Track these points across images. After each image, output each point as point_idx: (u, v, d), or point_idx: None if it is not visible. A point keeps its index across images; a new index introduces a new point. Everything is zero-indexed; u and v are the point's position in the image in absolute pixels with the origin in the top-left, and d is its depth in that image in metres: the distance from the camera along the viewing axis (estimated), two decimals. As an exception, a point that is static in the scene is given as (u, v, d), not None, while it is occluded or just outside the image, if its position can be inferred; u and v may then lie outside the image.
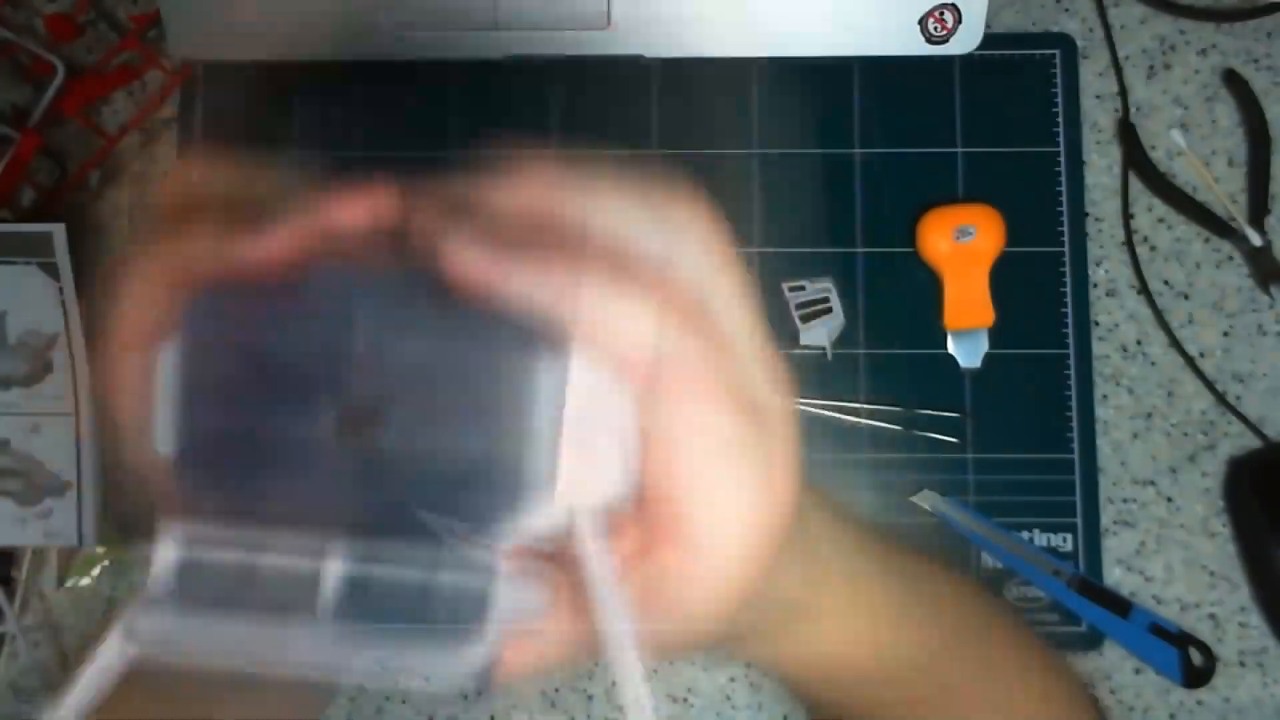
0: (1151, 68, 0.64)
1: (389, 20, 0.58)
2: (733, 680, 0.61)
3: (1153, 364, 0.62)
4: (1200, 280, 0.63)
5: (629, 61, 0.59)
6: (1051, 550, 0.60)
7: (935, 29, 0.57)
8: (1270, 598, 0.59)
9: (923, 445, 0.61)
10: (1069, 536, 0.61)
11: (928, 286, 0.62)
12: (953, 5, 0.57)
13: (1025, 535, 0.60)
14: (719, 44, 0.58)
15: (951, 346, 0.62)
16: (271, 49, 0.59)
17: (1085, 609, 0.59)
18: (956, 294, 0.61)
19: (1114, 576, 0.61)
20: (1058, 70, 0.63)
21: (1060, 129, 0.63)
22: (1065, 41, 0.63)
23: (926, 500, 0.60)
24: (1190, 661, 0.59)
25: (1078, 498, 0.61)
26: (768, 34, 0.58)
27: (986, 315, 0.61)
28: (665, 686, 0.61)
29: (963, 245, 0.60)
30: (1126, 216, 0.63)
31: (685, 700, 0.60)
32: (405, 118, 0.64)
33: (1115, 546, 0.61)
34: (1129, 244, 0.62)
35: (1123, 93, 0.63)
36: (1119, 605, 0.59)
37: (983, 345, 0.61)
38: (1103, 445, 0.61)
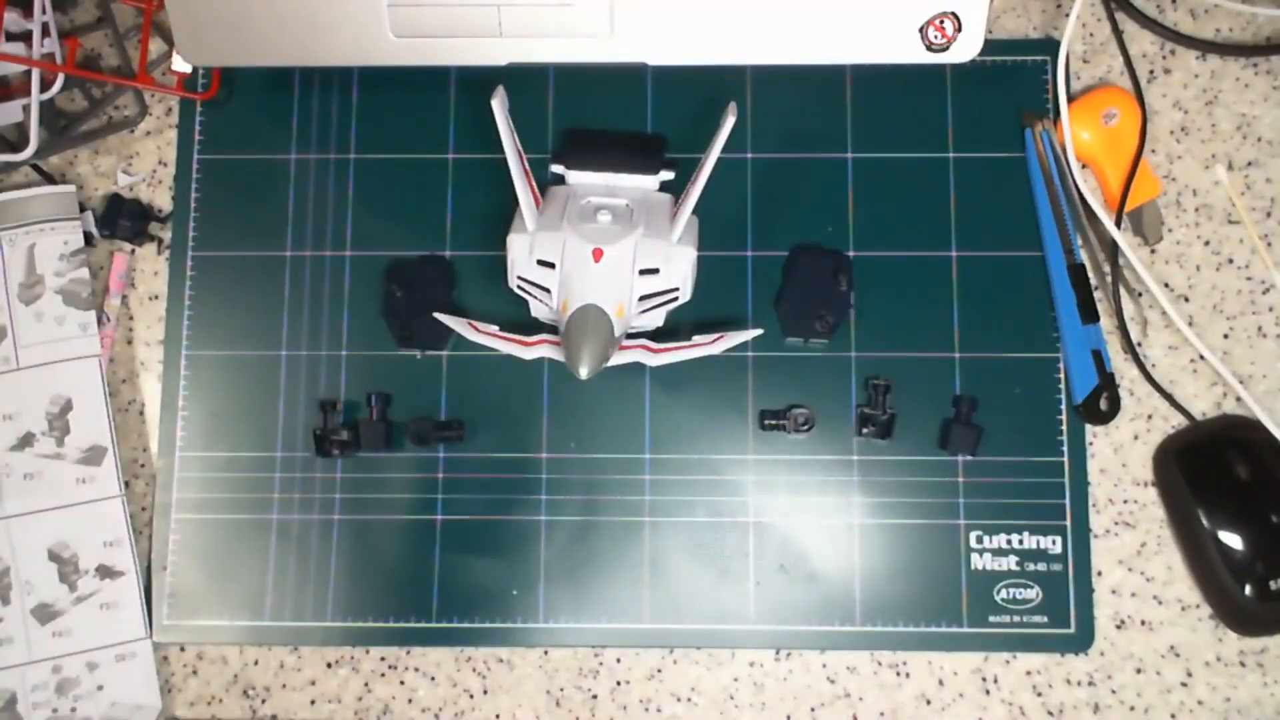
0: (1151, 72, 0.64)
1: (393, 27, 0.58)
2: (735, 680, 0.61)
3: (1153, 365, 0.62)
4: (1200, 282, 0.63)
5: (630, 68, 0.60)
6: (1040, 552, 0.61)
7: (935, 37, 0.57)
8: (1196, 556, 0.60)
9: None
10: (1058, 539, 0.61)
11: (910, 293, 0.62)
12: (953, 13, 0.57)
13: (1015, 537, 0.61)
14: (719, 52, 0.58)
15: (1131, 228, 0.63)
16: (278, 55, 0.59)
17: (1063, 293, 0.61)
18: (1119, 176, 0.62)
19: (1115, 577, 0.61)
20: (1049, 76, 0.64)
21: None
22: (1055, 47, 0.63)
23: None
24: (1097, 399, 0.61)
25: (1067, 500, 0.61)
26: (767, 42, 0.58)
27: (1153, 185, 0.63)
28: (668, 685, 0.61)
29: (1111, 128, 0.62)
30: (1122, 218, 0.63)
31: (689, 700, 0.61)
32: (407, 124, 0.64)
33: (1116, 547, 0.61)
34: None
35: (1139, 94, 0.63)
36: (1089, 312, 0.61)
37: (1161, 217, 0.63)
38: (1104, 446, 0.62)
